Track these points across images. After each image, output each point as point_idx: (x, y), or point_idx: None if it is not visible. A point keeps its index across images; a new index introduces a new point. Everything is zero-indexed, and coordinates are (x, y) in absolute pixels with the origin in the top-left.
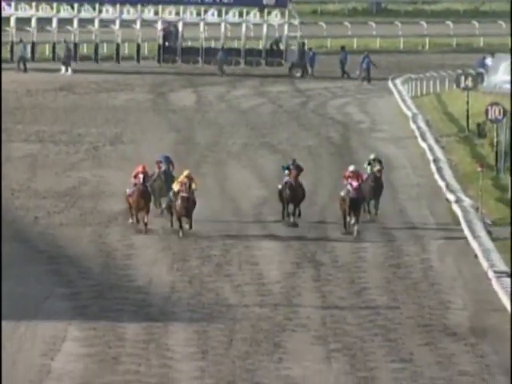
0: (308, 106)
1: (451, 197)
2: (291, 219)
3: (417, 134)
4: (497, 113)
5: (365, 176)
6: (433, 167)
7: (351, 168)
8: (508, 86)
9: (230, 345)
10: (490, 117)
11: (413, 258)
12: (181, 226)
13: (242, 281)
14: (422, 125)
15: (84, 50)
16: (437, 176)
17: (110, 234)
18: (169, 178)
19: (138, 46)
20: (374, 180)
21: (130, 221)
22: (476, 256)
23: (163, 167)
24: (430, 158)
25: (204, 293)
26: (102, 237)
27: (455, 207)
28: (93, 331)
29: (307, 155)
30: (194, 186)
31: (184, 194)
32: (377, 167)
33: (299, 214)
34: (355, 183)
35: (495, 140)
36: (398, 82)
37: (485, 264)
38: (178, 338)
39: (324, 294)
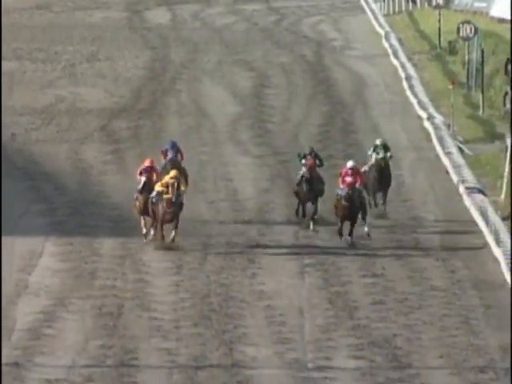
0: (282, 24)
1: (423, 114)
2: (311, 225)
3: (389, 51)
4: (468, 31)
5: (365, 168)
6: (405, 84)
7: (349, 164)
8: (479, 4)
9: (204, 260)
10: (461, 35)
11: None
12: (162, 236)
13: (217, 197)
14: (395, 43)
15: None
16: (409, 93)
17: (86, 151)
18: (176, 167)
19: None
20: (380, 170)
21: (144, 231)
22: (447, 172)
23: (170, 156)
24: (403, 75)
25: None
26: (78, 153)
27: (427, 124)
28: (69, 246)
29: (281, 72)
30: (182, 187)
31: (169, 196)
32: (380, 155)
33: (315, 212)
34: (351, 179)
35: (466, 57)
36: (370, 0)
37: (456, 180)
38: (153, 254)
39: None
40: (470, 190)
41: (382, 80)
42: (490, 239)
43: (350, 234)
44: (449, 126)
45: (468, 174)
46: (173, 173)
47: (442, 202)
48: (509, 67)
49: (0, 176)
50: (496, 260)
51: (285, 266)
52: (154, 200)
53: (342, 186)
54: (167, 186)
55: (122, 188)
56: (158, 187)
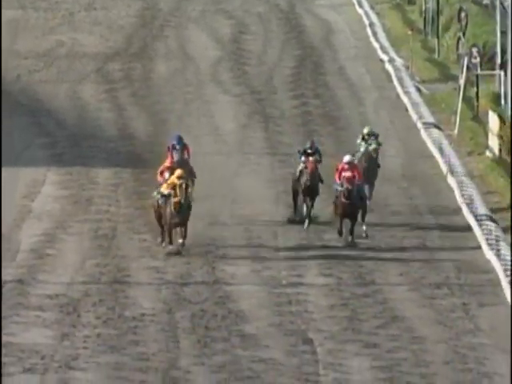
0: None
1: (385, 57)
2: (307, 221)
3: (354, 1)
4: None
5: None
6: (368, 31)
7: (346, 159)
8: None
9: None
10: None
11: (351, 112)
12: (170, 241)
13: (201, 132)
14: None
15: None
16: (372, 39)
17: (83, 91)
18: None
19: None
20: (369, 160)
21: (159, 240)
22: (406, 109)
23: (176, 155)
24: (366, 22)
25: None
26: (77, 92)
27: (388, 66)
28: (69, 176)
29: (258, 20)
30: (190, 189)
31: (176, 199)
32: (373, 146)
33: (312, 206)
34: (349, 173)
35: (424, 7)
36: None
37: (414, 116)
38: (144, 180)
39: (273, 144)
40: (427, 125)
41: (347, 27)
42: (444, 169)
43: (351, 232)
44: (408, 68)
45: (425, 110)
46: (179, 172)
47: (402, 136)
48: (461, 15)
49: (0, 112)
50: (450, 188)
51: (262, 193)
52: (160, 203)
53: (338, 182)
54: (174, 188)
55: (116, 123)
56: (163, 189)
